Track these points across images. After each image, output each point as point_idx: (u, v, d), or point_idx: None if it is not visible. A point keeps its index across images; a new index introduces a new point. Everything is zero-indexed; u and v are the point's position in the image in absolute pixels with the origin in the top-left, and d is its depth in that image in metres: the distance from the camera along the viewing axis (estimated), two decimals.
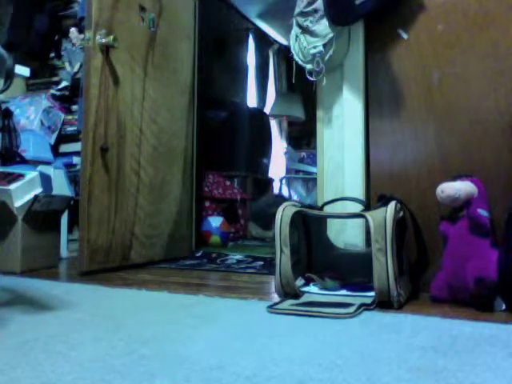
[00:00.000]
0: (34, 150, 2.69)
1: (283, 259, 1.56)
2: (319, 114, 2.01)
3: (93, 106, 2.14)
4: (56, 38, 3.25)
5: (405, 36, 1.80)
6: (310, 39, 1.84)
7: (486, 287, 1.36)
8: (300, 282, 1.72)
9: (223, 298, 1.60)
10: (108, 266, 2.21)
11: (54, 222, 2.42)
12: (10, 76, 1.37)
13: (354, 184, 1.88)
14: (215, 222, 3.51)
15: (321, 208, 1.80)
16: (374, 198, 1.78)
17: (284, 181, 4.95)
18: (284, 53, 5.51)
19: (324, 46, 1.80)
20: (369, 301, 1.46)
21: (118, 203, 2.26)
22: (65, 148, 3.02)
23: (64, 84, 3.09)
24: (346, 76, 1.92)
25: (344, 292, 1.64)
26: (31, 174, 2.27)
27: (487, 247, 1.42)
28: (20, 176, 2.24)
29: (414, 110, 1.77)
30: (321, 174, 1.98)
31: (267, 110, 5.31)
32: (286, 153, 5.31)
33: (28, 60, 3.18)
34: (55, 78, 3.18)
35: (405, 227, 1.65)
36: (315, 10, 1.82)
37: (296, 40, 1.89)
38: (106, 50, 2.18)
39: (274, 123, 5.50)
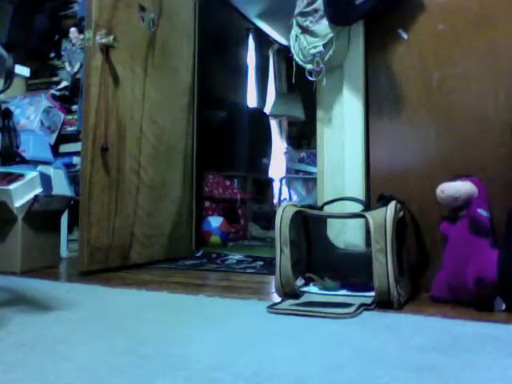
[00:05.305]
0: (34, 150, 2.69)
1: (283, 259, 1.56)
2: (319, 114, 2.01)
3: (93, 105, 2.14)
4: (56, 37, 3.25)
5: (405, 36, 1.80)
6: (310, 39, 1.84)
7: (486, 287, 1.36)
8: (300, 282, 1.72)
9: (223, 298, 1.59)
10: (108, 266, 2.21)
11: (54, 222, 2.41)
12: (9, 76, 1.37)
13: (354, 184, 1.88)
14: (215, 222, 3.51)
15: (321, 208, 1.80)
16: (373, 198, 1.78)
17: (284, 181, 4.95)
18: (284, 53, 5.51)
19: (324, 46, 1.80)
20: (369, 301, 1.46)
21: (117, 203, 2.26)
22: (65, 148, 3.02)
23: (64, 84, 3.09)
24: (346, 76, 1.91)
25: (344, 292, 1.64)
26: (31, 174, 2.27)
27: (487, 247, 1.42)
28: (20, 176, 2.24)
29: (414, 110, 1.77)
30: (321, 174, 1.98)
31: (267, 109, 5.31)
32: (286, 153, 5.30)
33: (28, 60, 3.18)
34: (55, 78, 3.18)
35: (405, 227, 1.65)
36: (315, 10, 1.82)
37: (296, 40, 1.89)
38: (105, 50, 2.18)
39: (274, 123, 5.50)
